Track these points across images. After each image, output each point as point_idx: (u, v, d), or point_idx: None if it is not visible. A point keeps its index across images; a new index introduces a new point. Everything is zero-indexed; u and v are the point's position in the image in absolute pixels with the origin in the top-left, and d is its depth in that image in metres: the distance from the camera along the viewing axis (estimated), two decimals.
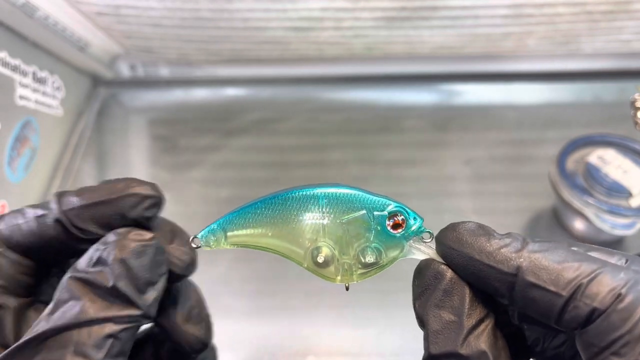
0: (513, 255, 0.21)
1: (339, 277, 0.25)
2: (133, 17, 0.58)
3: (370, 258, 0.24)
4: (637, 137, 0.54)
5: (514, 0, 0.55)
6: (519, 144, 0.65)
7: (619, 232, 0.51)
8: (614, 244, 0.55)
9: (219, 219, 0.25)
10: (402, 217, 0.24)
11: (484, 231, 0.23)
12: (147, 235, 0.24)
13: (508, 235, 0.22)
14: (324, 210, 0.24)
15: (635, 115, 0.39)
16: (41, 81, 0.58)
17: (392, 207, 0.24)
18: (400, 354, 0.48)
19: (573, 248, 0.21)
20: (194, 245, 0.25)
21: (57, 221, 0.24)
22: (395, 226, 0.24)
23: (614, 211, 0.49)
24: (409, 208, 0.25)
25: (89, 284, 0.22)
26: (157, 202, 0.25)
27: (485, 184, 0.61)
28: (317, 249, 0.25)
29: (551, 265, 0.20)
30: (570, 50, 0.65)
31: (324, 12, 0.57)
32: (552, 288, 0.20)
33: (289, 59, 0.68)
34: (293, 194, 0.25)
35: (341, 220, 0.24)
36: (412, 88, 0.72)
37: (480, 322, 0.22)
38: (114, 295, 0.22)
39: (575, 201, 0.51)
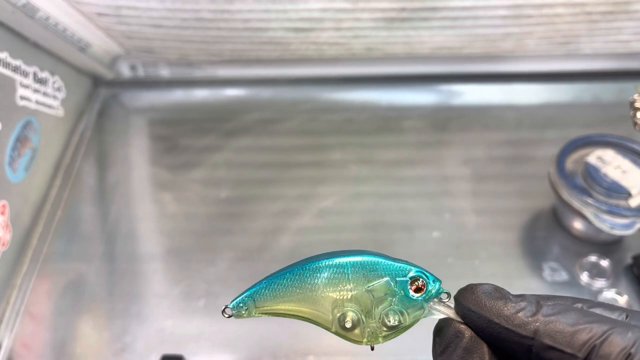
0: (529, 319, 0.23)
1: (364, 340, 0.26)
2: (133, 17, 0.58)
3: (394, 321, 0.26)
4: (636, 137, 0.54)
5: (513, 1, 0.55)
6: (519, 144, 0.65)
7: (618, 232, 0.51)
8: (613, 243, 0.55)
9: (248, 289, 0.27)
10: (423, 281, 0.26)
11: (500, 294, 0.24)
12: None
13: (522, 298, 0.24)
14: (350, 278, 0.26)
15: (634, 115, 0.39)
16: (42, 82, 0.58)
17: (412, 272, 0.26)
18: (399, 354, 0.48)
19: (577, 305, 0.23)
20: (225, 315, 0.27)
21: None
22: (417, 290, 0.26)
23: (613, 211, 0.49)
24: (427, 272, 0.26)
25: None
26: None
27: (485, 184, 0.62)
28: (344, 315, 0.26)
29: (565, 328, 0.22)
30: (570, 51, 0.65)
31: (323, 12, 0.57)
32: (568, 350, 0.22)
33: (289, 60, 0.68)
34: (320, 264, 0.26)
35: (366, 287, 0.26)
36: (412, 88, 0.73)
37: None
38: None
39: (575, 201, 0.51)
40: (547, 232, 0.57)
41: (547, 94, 0.71)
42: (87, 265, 0.55)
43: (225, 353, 0.50)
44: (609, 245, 0.55)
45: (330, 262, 0.26)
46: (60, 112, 0.63)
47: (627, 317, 0.23)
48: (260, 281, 0.27)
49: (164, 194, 0.62)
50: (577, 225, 0.55)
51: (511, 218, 0.58)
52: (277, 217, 0.59)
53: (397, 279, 0.26)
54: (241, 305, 0.26)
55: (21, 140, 0.54)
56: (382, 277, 0.26)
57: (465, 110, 0.70)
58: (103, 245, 0.57)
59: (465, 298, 0.24)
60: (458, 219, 0.58)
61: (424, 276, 0.26)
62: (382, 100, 0.71)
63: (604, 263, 0.53)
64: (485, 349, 0.24)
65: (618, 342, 0.21)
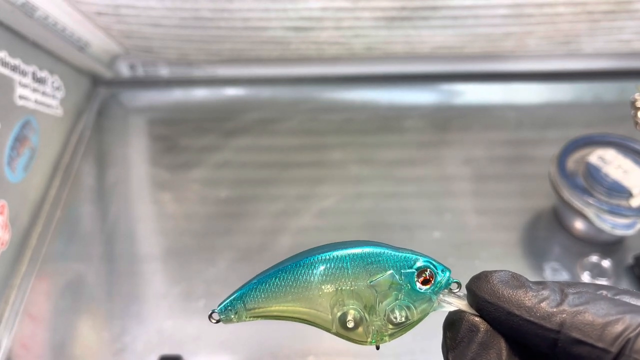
0: (554, 310, 0.20)
1: (369, 339, 0.24)
2: (133, 16, 0.58)
3: (400, 317, 0.24)
4: (637, 137, 0.54)
5: (514, 0, 0.55)
6: (519, 144, 0.65)
7: (619, 232, 0.51)
8: (615, 244, 0.55)
9: (237, 291, 0.24)
10: (430, 272, 0.24)
11: (519, 282, 0.22)
12: None
13: (543, 285, 0.22)
14: (349, 273, 0.24)
15: (635, 115, 0.39)
16: (41, 81, 0.58)
17: (420, 262, 0.24)
18: (399, 354, 0.48)
19: (602, 292, 0.21)
20: (213, 321, 0.24)
21: None
22: (424, 281, 0.24)
23: (614, 211, 0.49)
24: (435, 261, 0.24)
25: None
26: None
27: (485, 184, 0.61)
28: (345, 314, 0.24)
29: (595, 319, 0.20)
30: (571, 50, 0.65)
31: (324, 12, 0.57)
32: (599, 344, 0.19)
33: (289, 59, 0.68)
34: (315, 259, 0.24)
35: (368, 282, 0.24)
36: (412, 88, 0.72)
37: None
38: None
39: (576, 201, 0.51)
40: (548, 232, 0.56)
41: (548, 93, 0.71)
42: (86, 266, 0.55)
43: (225, 354, 0.49)
44: (610, 246, 0.55)
45: (327, 256, 0.23)
46: (59, 112, 0.63)
47: None
48: (250, 281, 0.24)
49: (164, 194, 0.62)
50: (578, 225, 0.55)
51: (512, 218, 0.58)
52: (277, 217, 0.58)
53: (402, 271, 0.24)
54: (230, 308, 0.24)
55: (20, 139, 0.54)
56: (386, 270, 0.24)
57: (465, 110, 0.70)
58: (102, 245, 0.57)
59: (479, 288, 0.22)
60: (459, 219, 0.58)
61: (432, 266, 0.24)
62: (382, 99, 0.71)
63: (605, 263, 0.53)
64: (502, 343, 0.22)
65: None
